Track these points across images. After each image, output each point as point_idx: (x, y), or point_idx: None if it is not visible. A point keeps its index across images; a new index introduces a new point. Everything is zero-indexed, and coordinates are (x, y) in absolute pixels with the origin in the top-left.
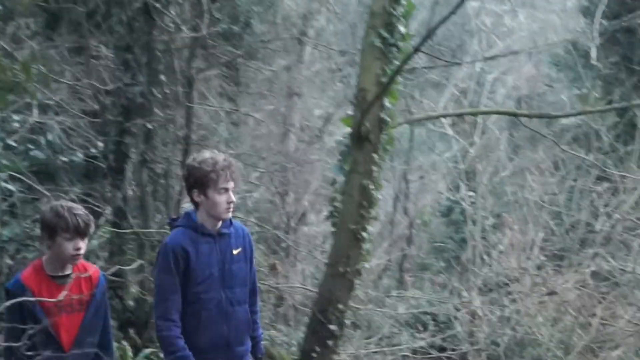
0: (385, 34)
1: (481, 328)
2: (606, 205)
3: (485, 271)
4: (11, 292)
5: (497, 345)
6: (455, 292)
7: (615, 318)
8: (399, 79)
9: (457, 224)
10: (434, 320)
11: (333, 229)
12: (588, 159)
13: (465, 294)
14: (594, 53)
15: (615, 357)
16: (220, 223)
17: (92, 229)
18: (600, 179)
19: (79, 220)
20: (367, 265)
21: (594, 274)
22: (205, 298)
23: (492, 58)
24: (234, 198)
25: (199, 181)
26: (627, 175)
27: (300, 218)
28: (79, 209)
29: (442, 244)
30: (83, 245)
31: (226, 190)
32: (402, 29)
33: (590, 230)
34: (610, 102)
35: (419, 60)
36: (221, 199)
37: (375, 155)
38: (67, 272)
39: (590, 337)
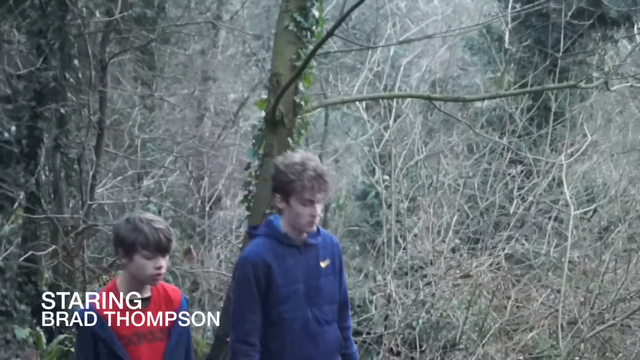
0: (300, 18)
1: (396, 311)
2: (520, 189)
3: (400, 255)
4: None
5: (412, 328)
6: (370, 276)
7: (529, 300)
8: (313, 62)
9: (372, 207)
10: None
11: (248, 213)
12: (502, 142)
13: (380, 277)
14: (507, 37)
15: (530, 339)
16: (305, 233)
17: (174, 244)
18: (514, 162)
19: (161, 235)
20: None
21: (508, 257)
22: (290, 318)
23: (406, 42)
24: (319, 211)
25: (282, 187)
26: (541, 158)
27: (215, 202)
28: (160, 222)
29: (357, 228)
30: (164, 263)
31: (312, 202)
32: (316, 12)
33: (505, 213)
34: (524, 86)
35: (334, 44)
36: (304, 211)
37: (289, 139)
38: (146, 294)
39: (504, 319)
